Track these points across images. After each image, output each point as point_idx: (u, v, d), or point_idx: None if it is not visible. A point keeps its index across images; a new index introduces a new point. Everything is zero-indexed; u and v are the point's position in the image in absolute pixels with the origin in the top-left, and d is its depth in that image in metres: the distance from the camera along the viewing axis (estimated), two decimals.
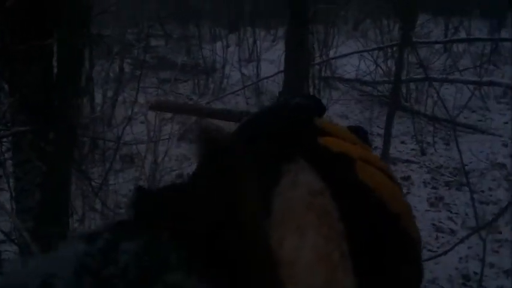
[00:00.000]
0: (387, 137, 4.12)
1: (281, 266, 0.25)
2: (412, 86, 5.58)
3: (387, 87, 5.44)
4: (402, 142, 4.88)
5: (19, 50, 1.89)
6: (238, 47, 6.87)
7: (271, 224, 0.28)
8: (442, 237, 3.30)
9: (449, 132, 4.60)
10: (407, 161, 4.46)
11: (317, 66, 5.75)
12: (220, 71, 6.46)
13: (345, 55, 5.97)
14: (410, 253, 0.32)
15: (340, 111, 5.34)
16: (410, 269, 0.32)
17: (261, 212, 0.26)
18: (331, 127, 0.34)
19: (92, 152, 3.67)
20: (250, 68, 6.40)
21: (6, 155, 2.25)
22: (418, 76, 5.25)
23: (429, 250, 3.04)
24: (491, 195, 3.80)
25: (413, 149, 4.74)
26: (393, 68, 5.08)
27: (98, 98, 4.54)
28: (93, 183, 2.90)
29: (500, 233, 3.26)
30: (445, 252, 2.68)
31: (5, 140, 2.18)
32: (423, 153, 4.62)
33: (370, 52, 5.89)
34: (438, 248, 3.13)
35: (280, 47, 5.40)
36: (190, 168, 4.26)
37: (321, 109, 0.35)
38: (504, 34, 6.93)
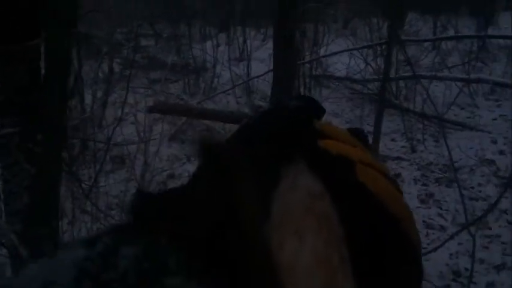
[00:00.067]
0: (376, 135, 4.14)
1: (281, 269, 0.25)
2: (402, 83, 5.62)
3: (377, 85, 5.48)
4: (392, 140, 4.92)
5: (5, 51, 1.87)
6: (228, 46, 6.86)
7: (271, 226, 0.27)
8: (433, 233, 3.33)
9: (438, 129, 4.64)
10: (397, 158, 4.49)
11: (308, 65, 5.77)
12: (211, 71, 6.45)
13: (335, 53, 6.00)
14: (410, 254, 0.32)
15: (331, 109, 5.36)
16: (411, 269, 0.32)
17: (260, 214, 0.26)
18: (331, 129, 0.34)
19: (82, 154, 3.64)
20: (241, 67, 6.40)
21: None
22: (407, 74, 5.29)
23: None
24: (480, 191, 3.84)
25: (403, 146, 4.77)
26: (383, 66, 5.12)
27: (88, 98, 4.50)
28: (83, 185, 2.88)
29: (490, 228, 3.30)
30: (436, 249, 2.71)
31: None
32: (413, 150, 4.66)
33: (360, 50, 5.93)
34: (428, 244, 3.16)
35: (271, 46, 5.40)
36: (181, 168, 4.25)
37: (320, 111, 0.34)
38: (491, 31, 7.02)
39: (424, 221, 3.52)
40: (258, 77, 5.86)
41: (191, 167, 4.24)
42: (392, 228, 0.30)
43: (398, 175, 4.17)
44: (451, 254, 3.08)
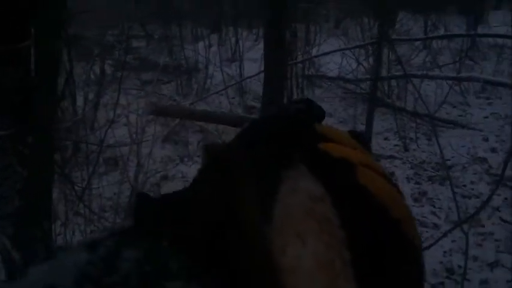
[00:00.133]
0: (368, 134, 4.17)
1: (283, 272, 0.25)
2: (394, 82, 5.66)
3: (370, 85, 5.51)
4: (385, 138, 4.95)
5: None
6: (220, 47, 6.85)
7: (272, 229, 0.27)
8: (426, 231, 3.35)
9: (430, 128, 4.68)
10: (390, 156, 4.52)
11: (300, 65, 5.78)
12: (203, 71, 6.44)
13: (327, 53, 6.01)
14: (411, 255, 0.32)
15: (324, 109, 5.36)
16: (411, 269, 0.32)
17: (260, 217, 0.26)
18: (332, 132, 0.34)
19: (75, 156, 3.61)
20: (233, 67, 6.40)
21: None
22: (398, 73, 5.33)
23: None
24: (472, 189, 3.87)
25: (396, 145, 4.80)
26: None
27: (80, 100, 4.47)
28: (76, 187, 2.86)
29: (483, 226, 3.32)
30: (429, 246, 2.72)
31: None
32: (406, 149, 4.69)
33: (352, 50, 5.95)
34: (422, 242, 3.17)
35: (263, 46, 5.41)
36: (175, 169, 4.24)
37: (321, 114, 0.34)
38: (481, 30, 7.09)
39: (417, 220, 3.54)
40: (250, 77, 5.86)
41: (184, 168, 4.23)
42: (393, 229, 0.31)
43: (391, 174, 4.19)
44: (444, 252, 3.10)
